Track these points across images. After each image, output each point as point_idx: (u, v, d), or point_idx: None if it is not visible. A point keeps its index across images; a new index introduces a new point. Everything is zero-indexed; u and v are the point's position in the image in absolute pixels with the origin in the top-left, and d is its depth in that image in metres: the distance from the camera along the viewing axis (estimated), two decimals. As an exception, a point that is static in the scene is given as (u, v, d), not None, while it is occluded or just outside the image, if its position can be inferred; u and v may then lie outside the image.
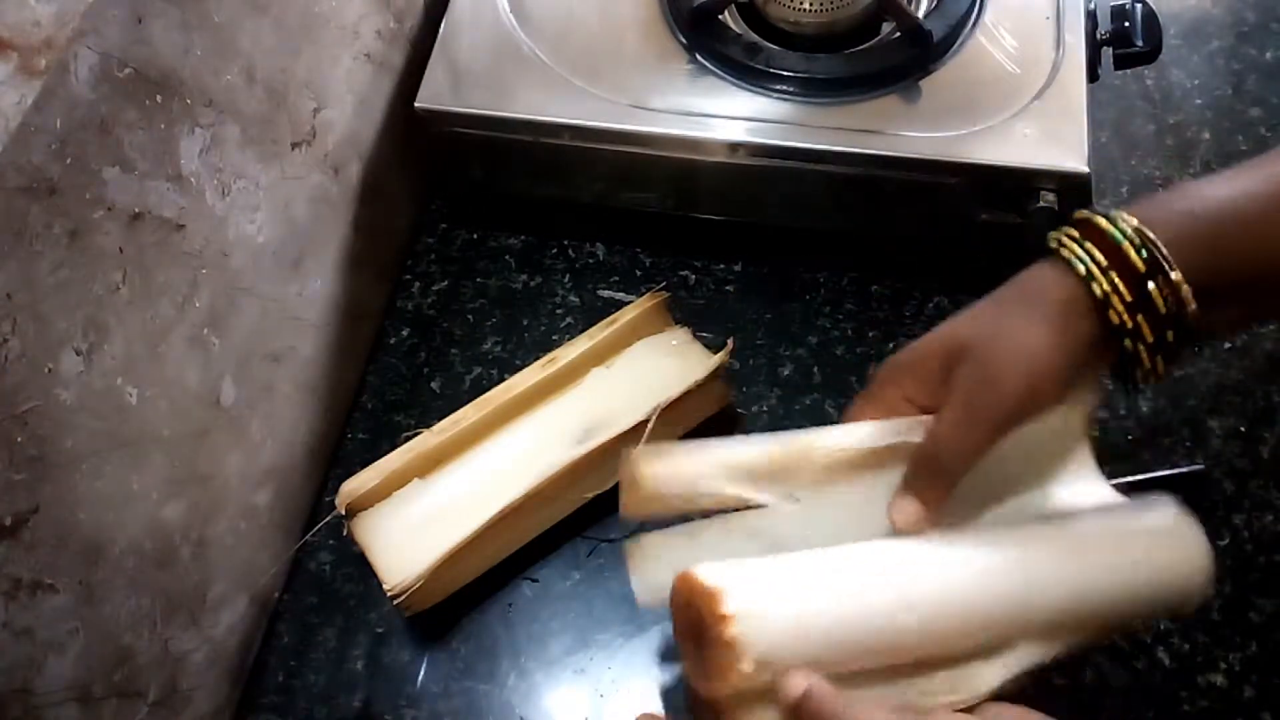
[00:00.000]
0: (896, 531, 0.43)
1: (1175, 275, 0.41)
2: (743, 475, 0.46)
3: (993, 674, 0.42)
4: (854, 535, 0.44)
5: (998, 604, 0.42)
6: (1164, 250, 0.41)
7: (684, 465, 0.47)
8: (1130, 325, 0.41)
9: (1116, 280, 0.41)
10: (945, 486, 0.43)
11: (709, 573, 0.41)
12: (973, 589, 0.42)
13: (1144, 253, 0.41)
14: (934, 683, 0.42)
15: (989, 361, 0.42)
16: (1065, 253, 0.42)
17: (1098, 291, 0.41)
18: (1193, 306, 0.41)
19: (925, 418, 0.45)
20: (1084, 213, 0.44)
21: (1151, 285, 0.41)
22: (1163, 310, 0.41)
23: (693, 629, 0.41)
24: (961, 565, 0.42)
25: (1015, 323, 0.43)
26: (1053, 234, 0.44)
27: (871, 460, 0.46)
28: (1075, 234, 0.43)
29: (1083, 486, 0.47)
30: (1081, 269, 0.42)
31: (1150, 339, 0.41)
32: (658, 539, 0.48)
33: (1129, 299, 0.41)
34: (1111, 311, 0.41)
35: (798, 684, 0.39)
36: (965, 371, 0.43)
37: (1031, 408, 0.42)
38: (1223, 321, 0.43)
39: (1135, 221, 0.42)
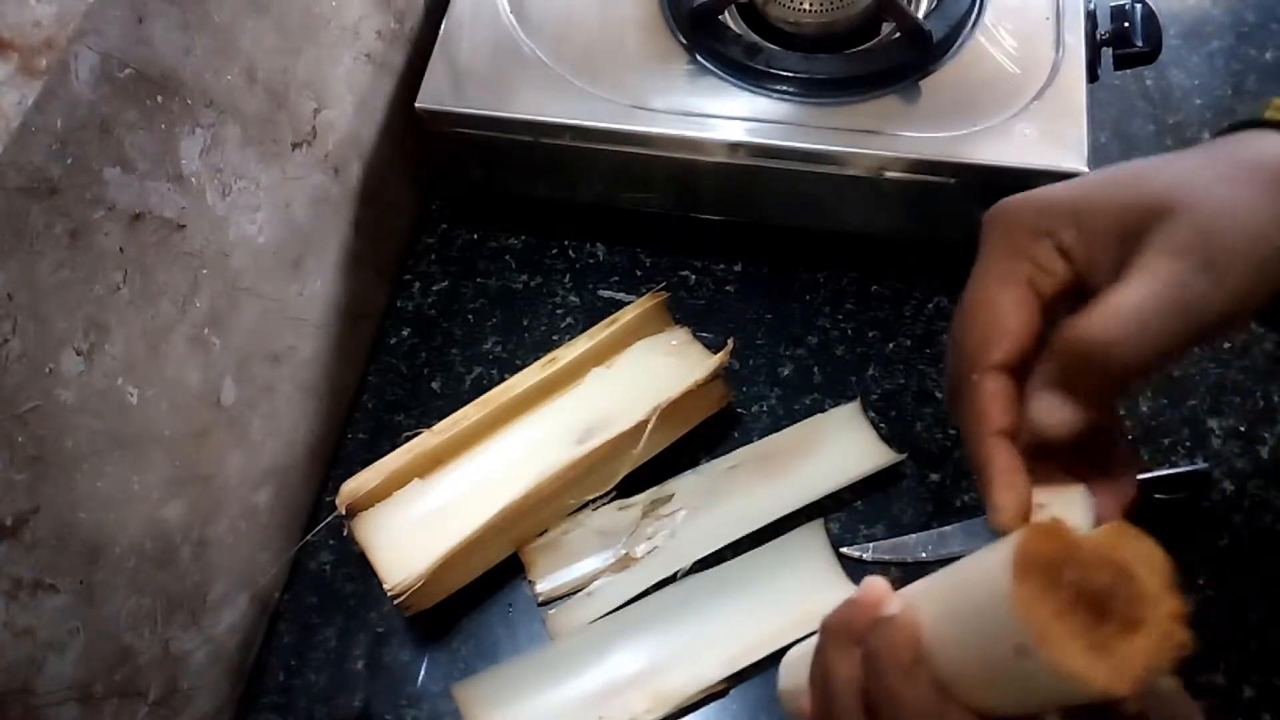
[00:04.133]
0: (1039, 429, 0.33)
1: None
2: None
3: None
4: None
5: None
6: None
7: None
8: None
9: None
10: (1112, 390, 0.32)
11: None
12: None
13: None
14: None
15: (1206, 231, 0.31)
16: None
17: None
18: None
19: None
20: None
21: None
22: None
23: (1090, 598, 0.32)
24: None
25: (1235, 190, 0.32)
26: (1261, 107, 0.36)
27: None
28: None
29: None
30: None
31: None
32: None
33: None
34: None
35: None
36: (1169, 237, 0.31)
37: (1244, 312, 0.31)
38: None
39: None
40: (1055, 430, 0.33)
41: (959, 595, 0.35)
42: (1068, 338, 0.32)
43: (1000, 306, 0.34)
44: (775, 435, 0.64)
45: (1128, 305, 0.31)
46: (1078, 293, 0.34)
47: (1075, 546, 0.32)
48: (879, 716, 0.35)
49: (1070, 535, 0.32)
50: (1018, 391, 0.34)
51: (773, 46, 0.67)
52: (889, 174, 0.63)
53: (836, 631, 0.37)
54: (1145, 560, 0.33)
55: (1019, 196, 0.35)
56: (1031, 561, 0.32)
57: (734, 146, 0.64)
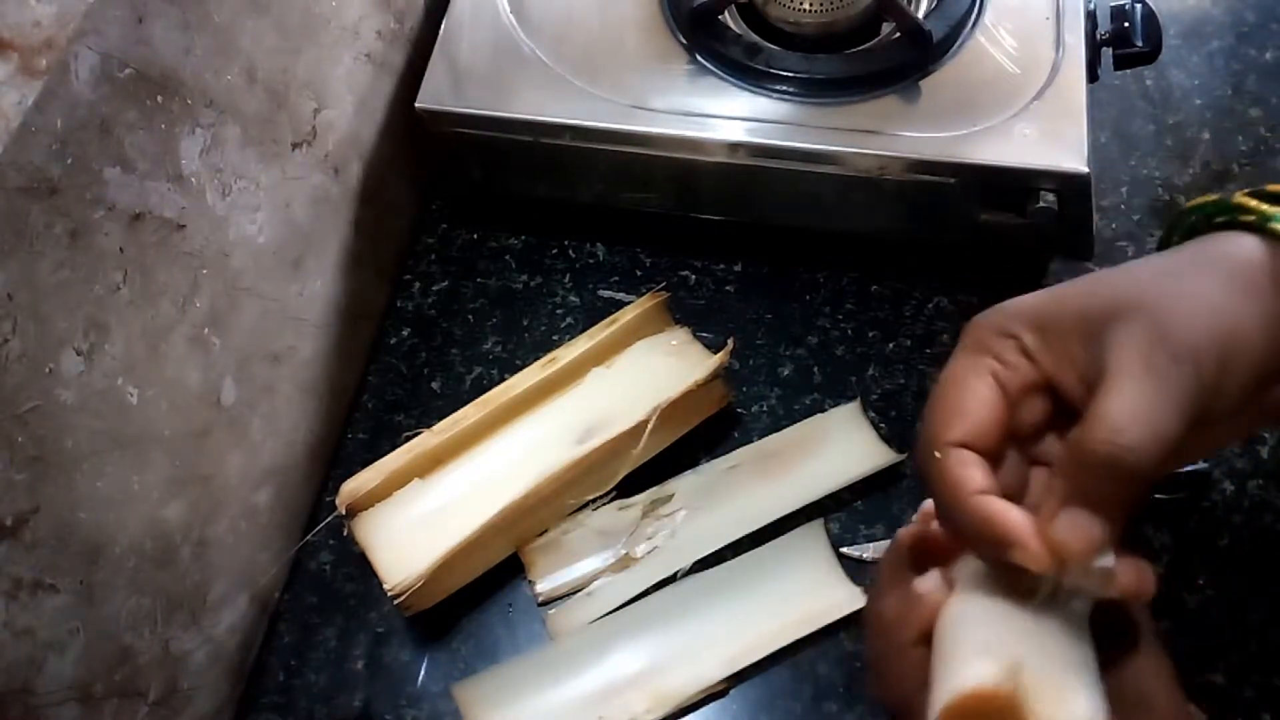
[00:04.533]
0: (1066, 550, 0.31)
1: None
2: None
3: None
4: None
5: None
6: None
7: None
8: None
9: None
10: (1133, 493, 0.31)
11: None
12: None
13: None
14: None
15: (1165, 321, 0.31)
16: (1257, 219, 0.33)
17: None
18: None
19: None
20: (1274, 186, 0.35)
21: None
22: None
23: None
24: None
25: (1193, 284, 0.32)
26: (1209, 207, 0.36)
27: None
28: (1257, 204, 0.34)
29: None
30: None
31: None
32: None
33: None
34: None
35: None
36: (1130, 332, 0.31)
37: (1222, 389, 0.31)
38: None
39: None
40: (1084, 548, 0.31)
41: (943, 638, 0.35)
42: (1084, 452, 0.31)
43: (962, 393, 0.34)
44: (775, 435, 0.64)
45: (1127, 409, 0.30)
46: (1050, 391, 0.35)
47: None
48: (874, 659, 0.37)
49: (1021, 711, 0.31)
50: (988, 465, 0.34)
51: (773, 46, 0.67)
52: (889, 174, 0.63)
53: (890, 563, 0.38)
54: None
55: (989, 309, 0.36)
56: (966, 713, 0.31)
57: (734, 146, 0.64)
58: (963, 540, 0.34)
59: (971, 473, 0.33)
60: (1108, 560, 0.32)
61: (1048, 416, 0.35)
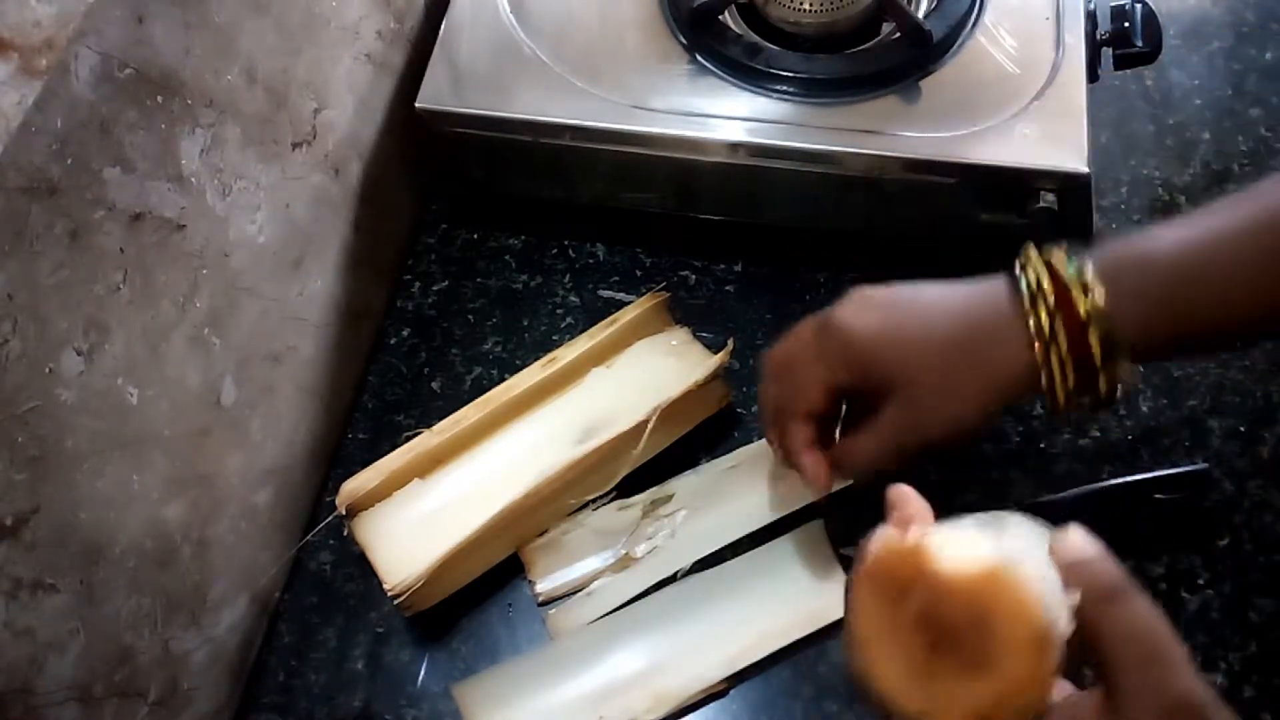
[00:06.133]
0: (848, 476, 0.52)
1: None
2: None
3: None
4: None
5: None
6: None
7: None
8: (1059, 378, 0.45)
9: (1059, 328, 0.45)
10: (841, 476, 0.53)
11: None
12: None
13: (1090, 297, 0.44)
14: None
15: (920, 410, 0.48)
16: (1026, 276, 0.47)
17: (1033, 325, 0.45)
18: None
19: None
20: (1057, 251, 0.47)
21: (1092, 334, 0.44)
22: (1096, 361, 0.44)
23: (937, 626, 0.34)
24: None
25: (956, 379, 0.47)
26: (1033, 255, 0.47)
27: None
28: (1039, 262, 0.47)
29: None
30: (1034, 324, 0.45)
31: (1070, 384, 0.45)
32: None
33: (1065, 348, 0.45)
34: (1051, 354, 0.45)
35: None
36: (895, 411, 0.49)
37: (947, 443, 0.49)
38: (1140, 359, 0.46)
39: (1090, 270, 0.45)
40: (832, 479, 0.53)
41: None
42: (836, 455, 0.52)
43: (807, 379, 0.51)
44: (775, 435, 0.64)
45: (858, 447, 0.51)
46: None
47: (932, 576, 0.34)
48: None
49: (928, 563, 0.34)
50: (816, 427, 0.52)
51: (773, 46, 0.67)
52: (889, 174, 0.63)
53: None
54: (1014, 611, 0.34)
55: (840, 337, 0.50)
56: (881, 572, 0.33)
57: (734, 146, 0.64)
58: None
59: (806, 435, 0.52)
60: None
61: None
